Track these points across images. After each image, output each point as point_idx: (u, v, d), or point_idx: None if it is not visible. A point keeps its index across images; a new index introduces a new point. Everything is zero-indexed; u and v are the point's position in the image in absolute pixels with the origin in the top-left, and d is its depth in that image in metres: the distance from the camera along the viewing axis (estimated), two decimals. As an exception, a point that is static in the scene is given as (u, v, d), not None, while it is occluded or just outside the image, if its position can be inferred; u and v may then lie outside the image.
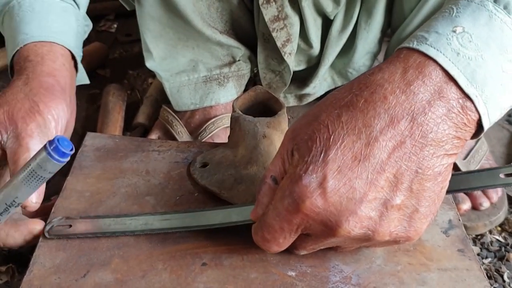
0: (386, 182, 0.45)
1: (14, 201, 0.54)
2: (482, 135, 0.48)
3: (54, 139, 0.49)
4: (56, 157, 0.49)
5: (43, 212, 0.64)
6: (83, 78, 0.80)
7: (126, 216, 0.59)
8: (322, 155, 0.45)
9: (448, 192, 0.49)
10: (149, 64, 0.95)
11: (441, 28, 0.46)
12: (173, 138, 0.96)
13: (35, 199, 0.58)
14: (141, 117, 1.05)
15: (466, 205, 0.86)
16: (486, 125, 0.46)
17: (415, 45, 0.46)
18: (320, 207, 0.45)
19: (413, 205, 0.46)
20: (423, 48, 0.46)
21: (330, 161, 0.45)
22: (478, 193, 0.86)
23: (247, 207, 0.55)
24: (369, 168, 0.45)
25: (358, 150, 0.45)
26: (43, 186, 0.59)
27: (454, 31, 0.46)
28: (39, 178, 0.51)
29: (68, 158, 0.50)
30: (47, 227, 0.58)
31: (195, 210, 0.60)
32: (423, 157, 0.45)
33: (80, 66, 0.76)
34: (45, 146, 0.49)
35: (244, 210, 0.55)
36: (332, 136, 0.45)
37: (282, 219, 0.47)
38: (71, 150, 0.50)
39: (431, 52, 0.45)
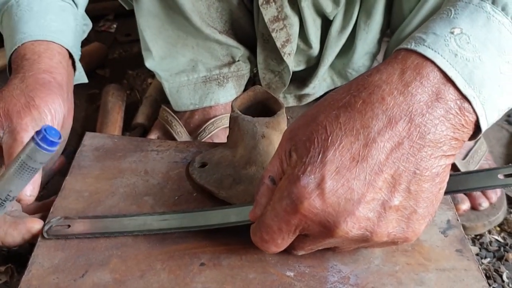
0: (384, 183, 0.45)
1: (8, 195, 0.54)
2: (480, 136, 0.48)
3: (41, 129, 0.49)
4: (45, 146, 0.49)
5: (44, 209, 0.64)
6: (81, 77, 0.80)
7: (124, 217, 0.60)
8: (320, 156, 0.45)
9: (446, 193, 0.49)
10: (148, 63, 0.95)
11: (439, 30, 0.46)
12: (172, 138, 0.96)
13: (29, 192, 0.58)
14: (140, 117, 1.05)
15: (465, 205, 0.86)
16: (484, 126, 0.46)
17: (413, 46, 0.46)
18: (318, 208, 0.45)
19: (411, 206, 0.46)
20: (421, 49, 0.46)
21: (328, 162, 0.45)
22: (477, 193, 0.86)
23: (245, 208, 0.55)
24: (367, 169, 0.45)
25: (356, 151, 0.45)
26: (38, 179, 0.59)
27: (452, 33, 0.46)
28: (30, 170, 0.51)
29: (57, 147, 0.50)
30: (46, 227, 0.58)
31: (194, 210, 0.60)
32: (421, 158, 0.45)
33: (78, 65, 0.76)
34: (33, 137, 0.49)
35: (242, 211, 0.55)
36: (330, 137, 0.45)
37: (280, 220, 0.47)
38: (59, 138, 0.50)
39: (428, 53, 0.45)
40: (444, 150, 0.45)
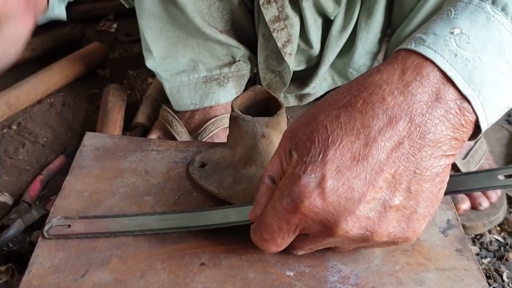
0: (385, 183, 0.45)
1: None
2: (480, 136, 0.48)
3: None
4: None
5: None
6: (60, 12, 0.74)
7: (124, 216, 0.60)
8: (320, 155, 0.45)
9: (446, 193, 0.49)
10: (149, 63, 0.95)
11: (439, 30, 0.47)
12: (173, 138, 0.96)
13: None
14: (140, 117, 1.05)
15: (466, 205, 0.86)
16: (484, 126, 0.46)
17: (413, 46, 0.46)
18: (318, 207, 0.45)
19: (412, 206, 0.46)
20: (421, 49, 0.46)
21: (329, 161, 0.45)
22: (477, 193, 0.87)
23: (245, 207, 0.55)
24: (368, 168, 0.45)
25: (356, 151, 0.45)
26: None
27: (452, 33, 0.46)
28: None
29: None
30: (46, 227, 0.58)
31: (194, 210, 0.60)
32: (421, 158, 0.45)
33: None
34: None
35: (242, 210, 0.55)
36: (330, 137, 0.45)
37: (280, 219, 0.47)
38: None
39: (428, 53, 0.45)
40: (444, 150, 0.45)
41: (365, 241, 0.48)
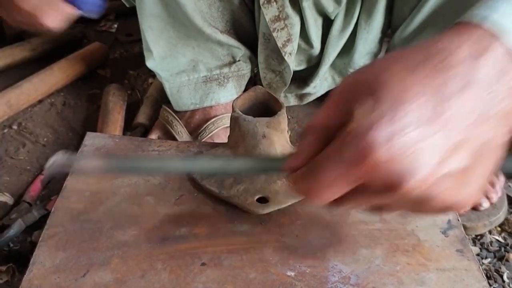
0: (454, 149, 0.44)
1: None
2: None
3: None
4: None
5: None
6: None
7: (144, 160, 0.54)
8: (394, 110, 0.43)
9: None
10: (149, 63, 0.95)
11: (501, 6, 0.46)
12: (173, 138, 0.96)
13: None
14: (141, 117, 1.05)
15: (466, 205, 0.86)
16: None
17: (478, 20, 0.46)
18: (386, 162, 0.43)
19: (470, 176, 0.45)
20: (487, 24, 0.45)
21: (402, 118, 0.43)
22: (478, 193, 0.86)
23: (274, 159, 0.52)
24: (440, 132, 0.43)
25: (429, 113, 0.43)
26: None
27: None
28: None
29: None
30: (50, 162, 0.48)
31: (220, 157, 0.56)
32: (489, 129, 0.44)
33: None
34: None
35: (271, 162, 0.52)
36: (401, 95, 0.44)
37: (342, 170, 0.45)
38: None
39: (495, 28, 0.45)
40: (507, 124, 0.45)
41: (420, 204, 0.46)
